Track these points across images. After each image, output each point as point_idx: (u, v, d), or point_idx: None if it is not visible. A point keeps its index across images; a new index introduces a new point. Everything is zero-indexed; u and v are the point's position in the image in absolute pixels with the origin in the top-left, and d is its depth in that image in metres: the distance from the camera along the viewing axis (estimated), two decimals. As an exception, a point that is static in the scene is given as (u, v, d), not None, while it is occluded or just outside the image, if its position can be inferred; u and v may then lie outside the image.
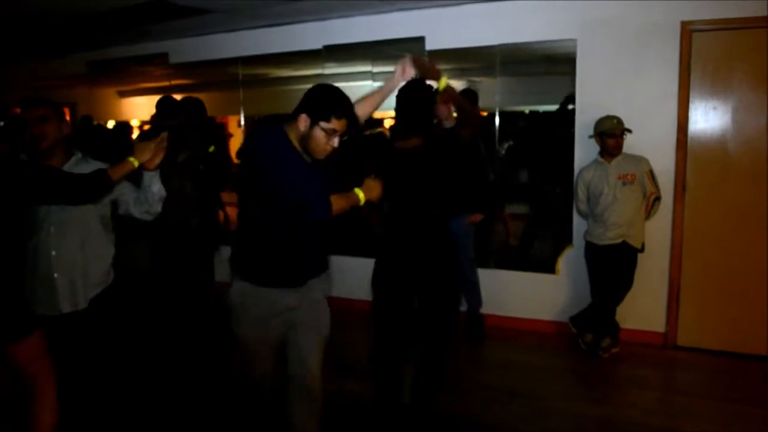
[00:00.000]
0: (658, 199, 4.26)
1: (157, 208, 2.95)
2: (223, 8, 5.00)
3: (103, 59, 6.92)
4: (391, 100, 3.06)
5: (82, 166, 2.77)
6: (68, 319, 2.78)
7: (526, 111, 5.39)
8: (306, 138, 2.42)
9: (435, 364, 3.39)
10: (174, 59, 6.41)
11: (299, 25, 5.58)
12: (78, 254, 2.78)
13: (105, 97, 7.18)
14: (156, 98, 4.70)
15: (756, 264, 4.31)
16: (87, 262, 2.81)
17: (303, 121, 2.40)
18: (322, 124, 2.39)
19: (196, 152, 4.27)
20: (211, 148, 4.53)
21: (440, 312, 3.32)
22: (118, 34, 6.08)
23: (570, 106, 4.73)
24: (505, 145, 5.23)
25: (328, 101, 2.42)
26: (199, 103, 4.59)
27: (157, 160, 2.78)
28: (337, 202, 2.49)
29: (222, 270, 5.14)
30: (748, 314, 4.35)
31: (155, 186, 2.87)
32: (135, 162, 2.66)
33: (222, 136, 5.58)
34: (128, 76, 6.91)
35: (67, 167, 2.72)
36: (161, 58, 6.46)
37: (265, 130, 2.51)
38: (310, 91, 2.45)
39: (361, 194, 2.65)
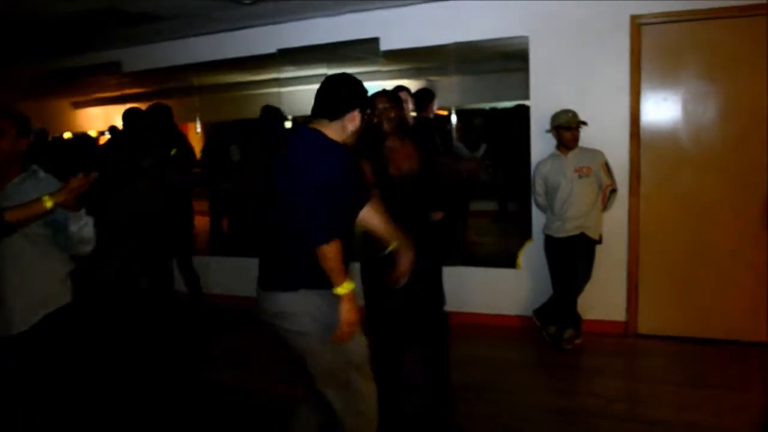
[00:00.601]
0: (614, 191, 4.33)
1: (82, 249, 2.69)
2: (174, 14, 4.94)
3: (54, 69, 6.73)
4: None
5: (30, 181, 2.61)
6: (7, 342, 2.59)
7: (487, 107, 5.42)
8: (356, 132, 2.47)
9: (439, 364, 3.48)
10: (127, 68, 6.30)
11: (253, 29, 5.54)
12: (9, 275, 2.58)
13: (58, 108, 7.04)
14: (111, 108, 4.66)
15: (710, 250, 4.41)
16: (21, 283, 2.59)
17: (355, 119, 2.44)
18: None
19: (158, 157, 4.23)
20: (173, 151, 4.50)
21: (436, 310, 3.38)
22: (68, 44, 5.97)
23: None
24: (482, 148, 5.27)
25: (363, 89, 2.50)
26: (161, 109, 4.57)
27: (74, 197, 2.46)
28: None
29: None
30: (704, 300, 4.45)
31: (73, 226, 2.58)
32: (48, 202, 2.35)
33: (184, 140, 5.51)
34: (81, 86, 6.78)
35: (14, 182, 2.59)
36: (114, 67, 6.34)
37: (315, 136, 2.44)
38: (341, 87, 2.45)
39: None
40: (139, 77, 6.34)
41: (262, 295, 2.46)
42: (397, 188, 3.25)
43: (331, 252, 2.26)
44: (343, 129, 2.42)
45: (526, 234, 4.93)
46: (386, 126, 3.28)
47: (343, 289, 2.32)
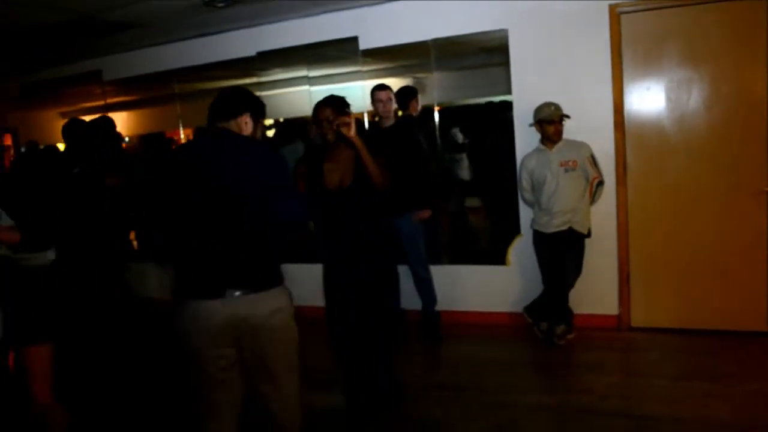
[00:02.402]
0: (601, 183, 4.27)
1: None
2: (150, 21, 4.90)
3: (37, 80, 6.72)
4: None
5: None
6: None
7: (483, 102, 5.37)
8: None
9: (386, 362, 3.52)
10: (108, 76, 6.27)
11: (232, 33, 5.50)
12: None
13: (46, 119, 6.99)
14: (97, 117, 4.66)
15: (699, 239, 4.35)
16: None
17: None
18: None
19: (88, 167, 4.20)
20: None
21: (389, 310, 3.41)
22: (49, 54, 5.93)
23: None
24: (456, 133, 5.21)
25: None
26: (100, 121, 4.58)
27: None
28: None
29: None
30: (698, 290, 4.40)
31: None
32: None
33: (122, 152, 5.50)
34: (66, 96, 6.73)
35: None
36: (95, 76, 6.31)
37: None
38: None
39: None
40: (121, 86, 6.31)
41: (246, 298, 2.34)
42: (330, 201, 3.31)
43: None
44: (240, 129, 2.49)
45: (515, 230, 4.87)
46: (330, 137, 3.27)
47: None
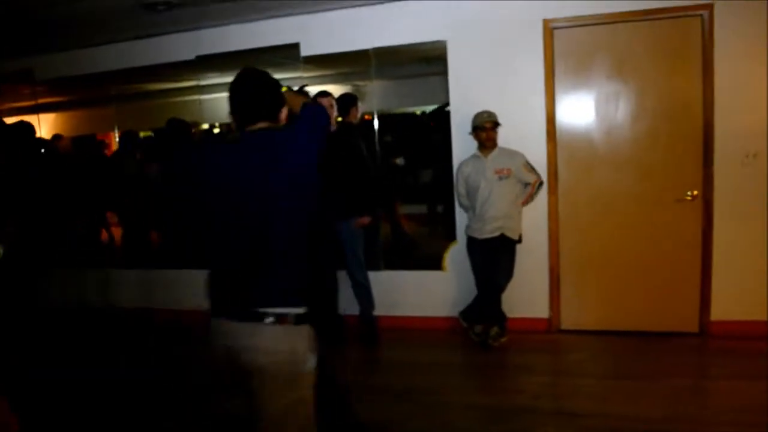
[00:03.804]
0: (541, 183, 4.42)
1: None
2: (89, 21, 4.80)
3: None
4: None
5: None
6: None
7: (417, 112, 5.48)
8: None
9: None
10: (40, 76, 6.07)
11: (171, 36, 5.42)
12: None
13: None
14: (26, 119, 4.55)
15: (626, 245, 4.57)
16: None
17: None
18: None
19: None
20: None
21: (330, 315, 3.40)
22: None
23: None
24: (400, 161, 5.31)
25: None
26: (19, 126, 4.50)
27: None
28: None
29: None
30: (623, 294, 4.61)
31: None
32: None
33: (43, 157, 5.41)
34: (-4, 95, 6.50)
35: None
36: (26, 75, 6.09)
37: None
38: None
39: None
40: (54, 86, 6.13)
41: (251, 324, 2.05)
42: None
43: None
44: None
45: (451, 236, 4.99)
46: None
47: None
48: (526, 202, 4.48)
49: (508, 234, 4.39)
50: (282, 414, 2.05)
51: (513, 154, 4.40)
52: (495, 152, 4.40)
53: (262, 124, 2.18)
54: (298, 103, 2.33)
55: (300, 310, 2.07)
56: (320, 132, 2.23)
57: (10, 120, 4.87)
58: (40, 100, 6.16)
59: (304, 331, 2.08)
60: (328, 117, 2.32)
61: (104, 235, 6.03)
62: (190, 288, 5.27)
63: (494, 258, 4.41)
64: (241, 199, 2.08)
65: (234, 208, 2.10)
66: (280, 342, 2.04)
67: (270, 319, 2.01)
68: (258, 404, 2.05)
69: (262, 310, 2.02)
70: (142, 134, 6.16)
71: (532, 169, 4.39)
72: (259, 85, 2.23)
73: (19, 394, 3.25)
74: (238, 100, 2.21)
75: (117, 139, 5.99)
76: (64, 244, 5.13)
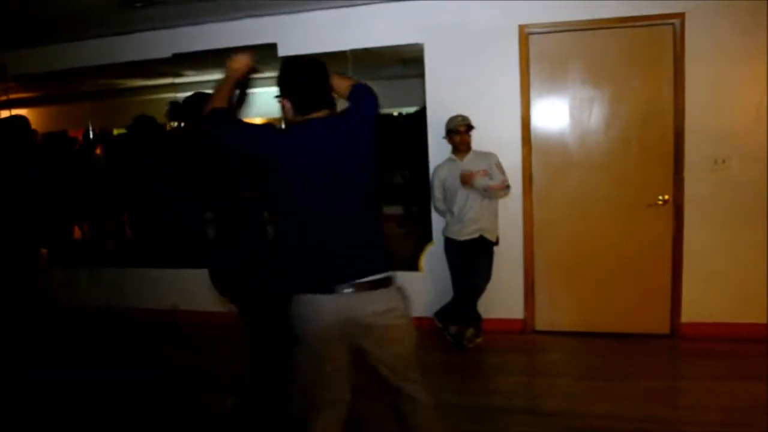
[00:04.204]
0: (508, 186, 4.44)
1: None
2: (65, 17, 4.72)
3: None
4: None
5: None
6: None
7: (395, 113, 5.49)
8: None
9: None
10: (13, 71, 5.95)
11: (148, 33, 5.36)
12: None
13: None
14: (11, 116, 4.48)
15: (599, 248, 4.66)
16: None
17: None
18: None
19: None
20: None
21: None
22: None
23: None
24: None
25: None
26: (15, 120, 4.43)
27: None
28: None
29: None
30: (596, 295, 4.70)
31: None
32: None
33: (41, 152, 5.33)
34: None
35: None
36: (-2, 71, 6.00)
37: None
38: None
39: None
40: (27, 82, 6.02)
41: (349, 293, 2.26)
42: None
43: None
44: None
45: (427, 237, 5.02)
46: None
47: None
48: (489, 191, 4.37)
49: (487, 236, 4.44)
50: (414, 355, 2.49)
51: (488, 155, 4.45)
52: (470, 155, 4.45)
53: (324, 112, 2.34)
54: (344, 86, 2.49)
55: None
56: (374, 110, 2.43)
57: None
58: (12, 96, 6.04)
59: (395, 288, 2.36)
60: (376, 95, 2.47)
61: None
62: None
63: (473, 260, 4.45)
64: (334, 180, 2.24)
65: (330, 189, 2.24)
66: (398, 300, 2.35)
67: (391, 284, 2.32)
68: (400, 353, 2.43)
69: (377, 277, 2.27)
70: (115, 132, 6.08)
71: (502, 171, 4.43)
72: (321, 73, 2.36)
73: (19, 394, 3.23)
74: (302, 87, 2.33)
75: (91, 135, 5.90)
76: (63, 244, 5.05)
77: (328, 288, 2.24)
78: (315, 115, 2.33)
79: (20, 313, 4.04)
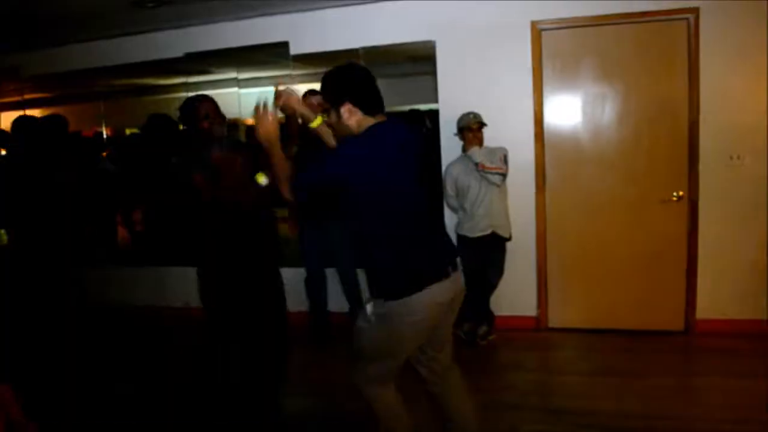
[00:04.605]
0: (504, 176, 4.35)
1: None
2: (78, 18, 4.77)
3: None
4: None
5: None
6: None
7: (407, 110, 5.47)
8: None
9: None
10: (27, 72, 6.00)
11: (160, 33, 5.39)
12: None
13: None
14: (10, 115, 4.48)
15: (613, 245, 4.63)
16: None
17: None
18: None
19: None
20: None
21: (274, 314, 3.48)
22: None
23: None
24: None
25: None
26: (56, 120, 4.42)
27: None
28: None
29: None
30: (609, 292, 4.68)
31: None
32: None
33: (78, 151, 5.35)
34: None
35: None
36: (12, 73, 6.02)
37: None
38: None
39: None
40: (41, 82, 6.06)
41: (453, 276, 2.51)
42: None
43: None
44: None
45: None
46: (218, 131, 3.23)
47: None
48: (479, 168, 4.31)
49: (500, 232, 4.44)
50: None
51: (498, 150, 4.41)
52: (482, 150, 4.43)
53: (382, 116, 2.44)
54: None
55: None
56: None
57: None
58: (26, 96, 6.10)
59: None
60: None
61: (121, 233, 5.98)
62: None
63: (486, 256, 4.45)
64: (413, 179, 2.43)
65: (413, 189, 2.44)
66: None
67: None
68: (452, 321, 2.74)
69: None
70: (128, 131, 6.11)
71: (506, 162, 4.37)
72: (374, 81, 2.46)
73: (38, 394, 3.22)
74: (370, 87, 2.43)
75: (104, 136, 5.94)
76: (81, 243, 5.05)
77: (445, 275, 2.42)
78: (378, 118, 2.42)
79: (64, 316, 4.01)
